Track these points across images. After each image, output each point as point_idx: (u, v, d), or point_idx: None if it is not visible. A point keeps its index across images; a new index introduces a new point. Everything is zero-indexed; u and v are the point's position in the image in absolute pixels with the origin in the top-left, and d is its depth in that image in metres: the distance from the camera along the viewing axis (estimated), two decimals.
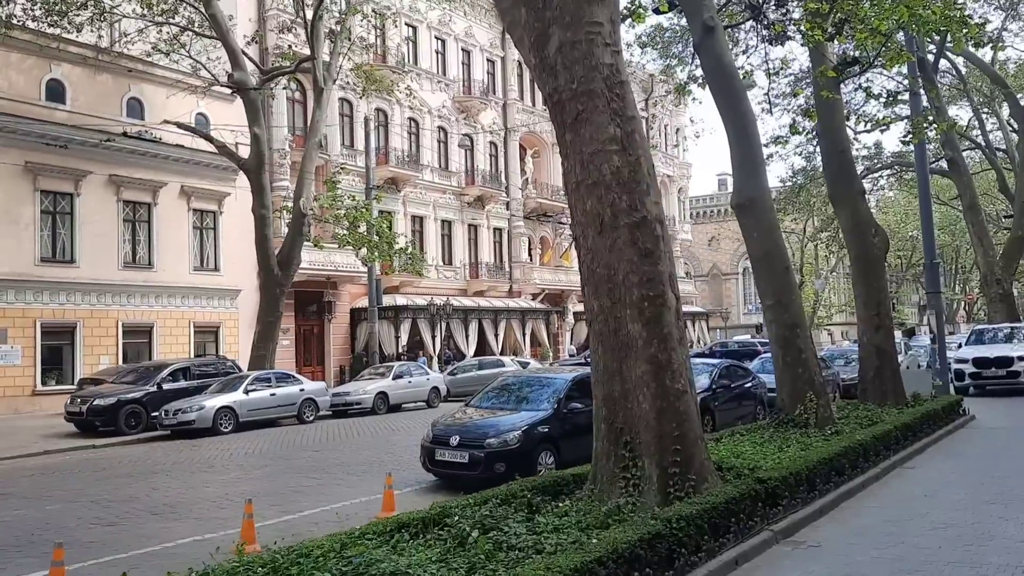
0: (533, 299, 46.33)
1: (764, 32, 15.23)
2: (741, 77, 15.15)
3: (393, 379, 26.62)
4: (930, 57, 29.27)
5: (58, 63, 27.99)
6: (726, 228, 68.75)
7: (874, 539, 8.20)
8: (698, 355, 36.26)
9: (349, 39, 28.95)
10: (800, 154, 38.05)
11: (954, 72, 37.21)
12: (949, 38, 25.55)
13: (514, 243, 46.80)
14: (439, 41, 43.62)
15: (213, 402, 20.86)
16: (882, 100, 19.44)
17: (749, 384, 18.00)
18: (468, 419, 12.80)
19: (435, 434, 12.28)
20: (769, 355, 15.94)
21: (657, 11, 14.82)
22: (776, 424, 12.84)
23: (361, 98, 34.65)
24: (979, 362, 23.88)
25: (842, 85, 19.49)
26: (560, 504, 7.77)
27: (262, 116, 26.37)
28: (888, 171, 42.66)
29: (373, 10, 31.73)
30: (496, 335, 42.27)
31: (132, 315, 29.48)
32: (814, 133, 19.95)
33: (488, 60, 46.49)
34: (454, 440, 11.90)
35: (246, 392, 21.70)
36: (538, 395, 13.12)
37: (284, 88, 31.80)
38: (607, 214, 8.32)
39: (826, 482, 9.81)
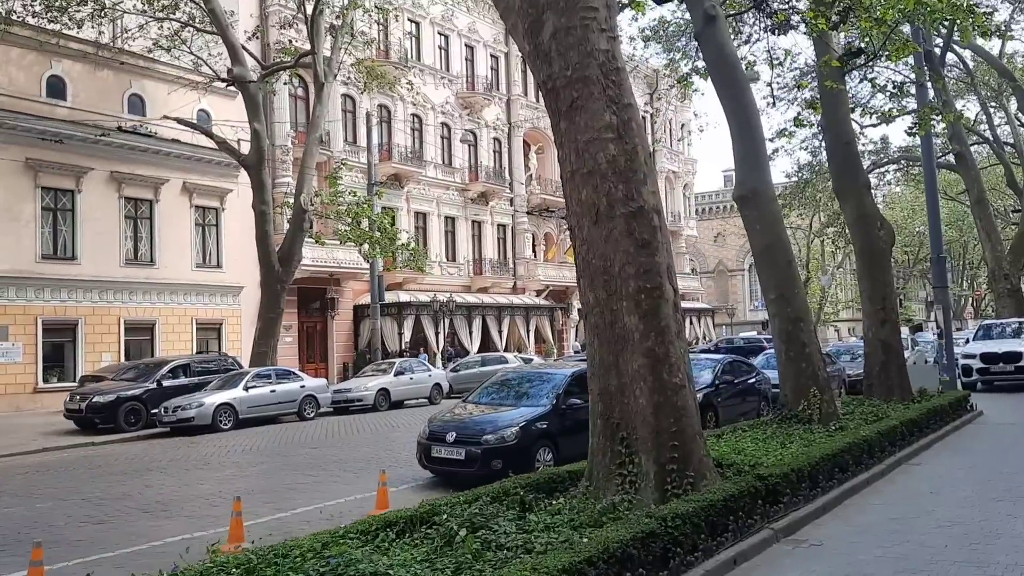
0: (537, 295, 46.14)
1: (767, 21, 14.98)
2: (743, 68, 14.90)
3: (395, 376, 26.45)
4: (937, 51, 28.95)
5: (59, 59, 27.84)
6: (732, 224, 68.32)
7: (878, 537, 7.96)
8: (703, 351, 36.18)
9: (350, 34, 28.76)
10: (806, 149, 37.78)
11: (961, 66, 36.81)
12: (956, 31, 25.32)
13: (518, 239, 46.60)
14: (442, 37, 43.41)
15: (213, 399, 20.71)
16: (887, 92, 19.13)
17: (753, 380, 17.75)
18: (465, 415, 12.61)
19: (431, 430, 12.09)
20: (773, 350, 15.71)
21: (659, 0, 14.58)
22: (779, 420, 12.63)
23: (363, 93, 34.46)
24: (987, 357, 23.62)
25: (848, 78, 19.24)
26: (554, 502, 7.57)
27: (262, 111, 26.20)
28: (895, 166, 42.30)
29: (376, 6, 31.49)
30: (500, 332, 42.08)
31: (134, 312, 29.36)
32: (819, 127, 19.71)
33: (492, 56, 46.27)
34: (450, 436, 11.70)
35: (246, 389, 21.54)
36: (536, 391, 12.91)
37: (286, 84, 31.66)
38: (603, 204, 8.11)
39: (829, 479, 9.58)
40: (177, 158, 30.36)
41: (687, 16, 20.85)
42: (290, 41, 29.96)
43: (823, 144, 25.05)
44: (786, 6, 14.85)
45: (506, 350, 39.86)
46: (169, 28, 26.92)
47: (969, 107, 39.95)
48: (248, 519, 9.62)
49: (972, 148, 36.61)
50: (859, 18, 13.64)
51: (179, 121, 25.74)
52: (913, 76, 21.22)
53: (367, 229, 28.03)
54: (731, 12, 15.88)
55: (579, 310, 47.12)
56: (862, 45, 16.49)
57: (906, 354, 23.74)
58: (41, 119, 26.67)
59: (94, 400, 20.75)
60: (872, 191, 23.92)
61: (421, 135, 41.33)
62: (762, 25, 15.43)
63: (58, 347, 27.71)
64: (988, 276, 40.21)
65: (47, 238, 27.38)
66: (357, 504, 10.39)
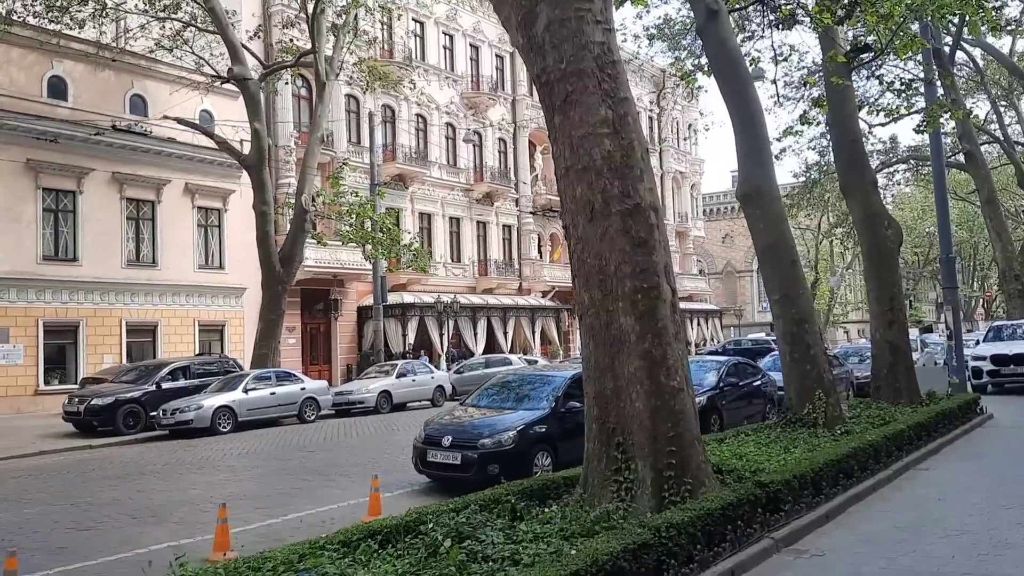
0: (543, 297, 45.85)
1: (771, 16, 14.68)
2: (747, 64, 14.62)
3: (397, 378, 26.22)
4: (946, 49, 28.59)
5: (60, 59, 27.70)
6: (740, 225, 67.88)
7: (883, 547, 7.66)
8: (710, 353, 35.88)
9: (353, 33, 28.57)
10: (814, 148, 37.42)
11: (971, 64, 36.41)
12: (965, 29, 25.02)
13: (524, 240, 46.34)
14: (447, 37, 43.20)
15: (211, 401, 20.51)
16: (895, 89, 18.80)
17: (758, 382, 17.45)
18: (462, 418, 12.36)
19: (427, 434, 11.84)
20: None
21: None
22: (783, 423, 12.34)
23: (366, 93, 34.24)
24: (997, 359, 23.25)
25: (855, 76, 18.93)
26: (546, 510, 7.29)
27: (263, 111, 26.00)
28: (904, 165, 41.87)
29: (380, 5, 31.31)
30: (505, 333, 41.82)
31: (136, 314, 29.21)
32: (826, 125, 19.40)
33: (497, 56, 46.01)
34: (446, 440, 11.44)
35: (245, 391, 21.33)
36: (535, 393, 12.65)
37: (287, 84, 31.45)
38: (598, 201, 7.85)
39: (833, 485, 9.27)
40: (179, 159, 30.21)
41: (692, 14, 20.60)
42: (291, 40, 29.76)
43: (831, 143, 24.71)
44: (790, 1, 14.54)
45: (511, 352, 39.60)
46: (171, 28, 26.77)
47: (979, 106, 39.54)
48: (237, 525, 9.43)
49: (982, 148, 36.20)
50: (865, 12, 13.33)
51: (179, 121, 25.56)
52: (921, 74, 20.91)
53: (370, 230, 27.83)
54: (734, 7, 15.58)
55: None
56: (869, 41, 16.18)
57: (915, 355, 23.46)
58: (42, 119, 26.53)
59: (92, 403, 20.55)
60: (881, 191, 23.62)
61: (425, 135, 41.11)
62: (766, 20, 15.08)
63: (59, 349, 27.58)
64: (999, 277, 39.82)
65: (48, 239, 27.25)
66: (350, 510, 10.15)
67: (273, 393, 22.09)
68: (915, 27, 17.27)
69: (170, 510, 10.73)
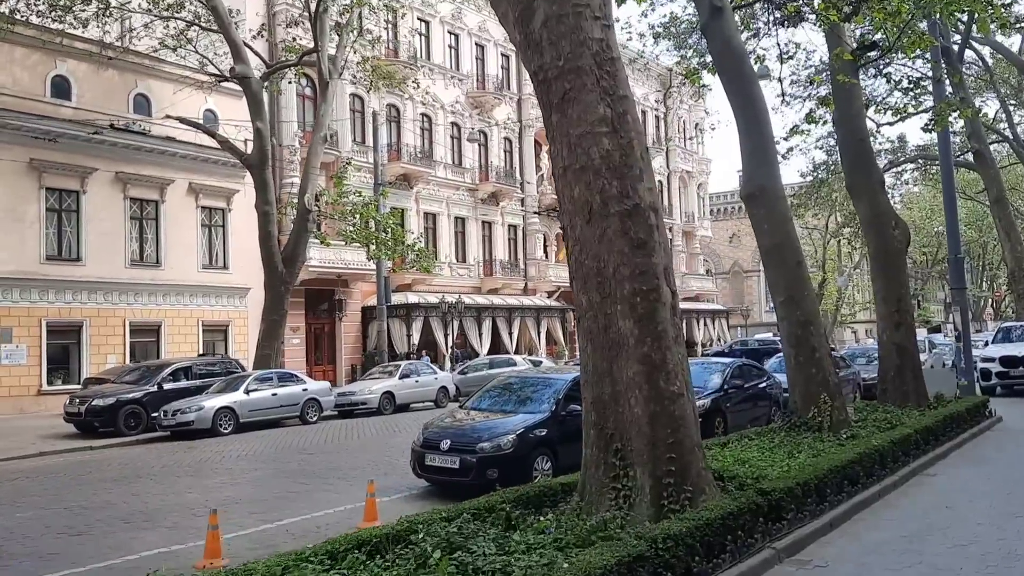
0: (548, 297, 45.65)
1: (776, 13, 14.46)
2: (752, 62, 14.40)
3: (400, 378, 26.05)
4: (955, 48, 28.30)
5: (63, 59, 27.64)
6: (747, 225, 67.40)
7: (888, 558, 7.44)
8: (717, 353, 35.65)
9: (358, 32, 28.44)
10: (821, 148, 37.13)
11: (980, 63, 36.10)
12: (974, 27, 24.75)
13: (529, 240, 46.15)
14: (452, 36, 43.02)
15: (213, 402, 20.37)
16: (902, 88, 18.55)
17: (764, 384, 17.22)
18: (461, 422, 12.17)
19: (426, 437, 11.65)
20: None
21: None
22: (788, 427, 12.12)
23: (369, 91, 34.08)
24: (1007, 361, 22.98)
25: (862, 75, 18.67)
26: (542, 518, 7.10)
27: (265, 110, 25.87)
28: (912, 165, 41.56)
29: (384, 4, 31.16)
30: (510, 333, 41.63)
31: (139, 314, 29.13)
32: (833, 124, 19.13)
33: (502, 55, 45.80)
34: (445, 444, 11.25)
35: (247, 392, 21.19)
36: (536, 396, 12.46)
37: (291, 83, 31.26)
38: (596, 201, 7.67)
39: (838, 492, 9.04)
40: (183, 158, 30.13)
41: (697, 12, 20.36)
42: (294, 39, 29.64)
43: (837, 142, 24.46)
44: None
45: (517, 352, 39.42)
46: (174, 27, 26.67)
47: (988, 105, 39.22)
48: (232, 531, 9.28)
49: (991, 147, 35.85)
50: (872, 9, 13.10)
51: (180, 120, 25.44)
52: (929, 73, 20.66)
53: (373, 230, 27.69)
54: (739, 4, 15.36)
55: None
56: (876, 39, 15.94)
57: (923, 357, 23.17)
58: (45, 119, 26.45)
59: (93, 403, 20.44)
60: (888, 190, 23.36)
61: (431, 135, 40.95)
62: (771, 17, 14.85)
63: (63, 349, 27.52)
64: (1008, 277, 39.45)
65: (51, 239, 27.17)
66: (346, 515, 9.99)
67: (275, 394, 21.96)
68: (923, 25, 17.02)
69: (164, 514, 10.57)
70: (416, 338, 36.42)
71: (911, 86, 19.94)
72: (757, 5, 15.82)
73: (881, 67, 18.13)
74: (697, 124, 58.37)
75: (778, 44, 14.72)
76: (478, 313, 40.14)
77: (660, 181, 57.08)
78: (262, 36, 28.79)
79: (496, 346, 40.39)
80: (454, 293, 37.67)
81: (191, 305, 30.66)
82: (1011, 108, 38.16)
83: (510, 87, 46.14)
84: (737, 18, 16.89)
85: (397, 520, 6.81)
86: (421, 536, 6.17)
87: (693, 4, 15.64)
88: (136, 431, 20.49)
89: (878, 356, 17.15)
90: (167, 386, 21.47)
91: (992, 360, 23.30)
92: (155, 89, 29.93)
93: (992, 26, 18.35)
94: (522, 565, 5.57)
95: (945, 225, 24.44)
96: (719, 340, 54.96)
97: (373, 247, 27.82)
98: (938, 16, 16.23)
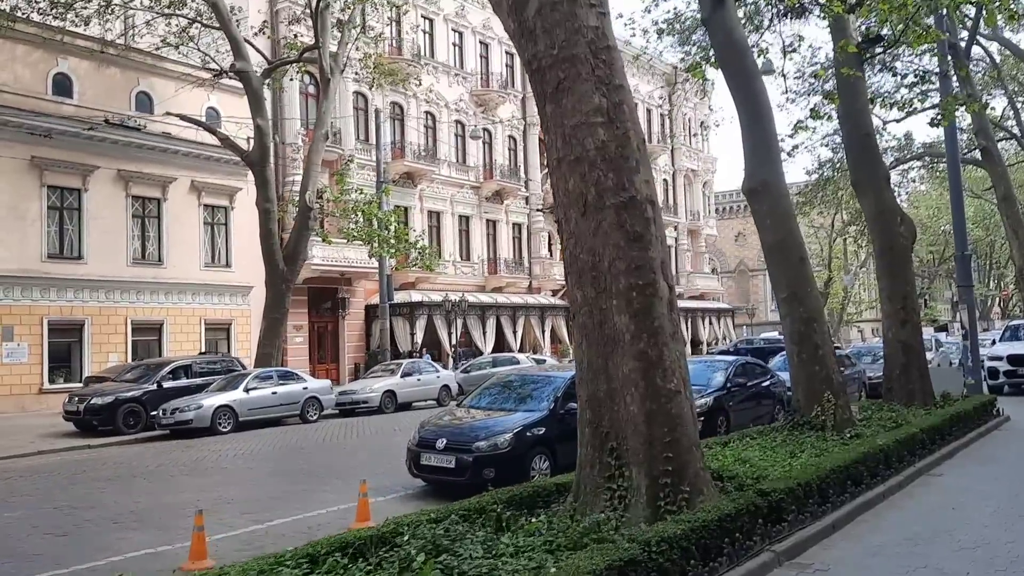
0: (553, 295, 45.42)
1: (780, 5, 14.21)
2: (755, 56, 14.17)
3: (402, 377, 25.86)
4: (962, 44, 27.99)
5: (65, 56, 27.53)
6: (753, 223, 67.34)
7: (891, 561, 7.21)
8: (722, 352, 35.41)
9: (362, 29, 28.27)
10: (827, 145, 36.81)
11: (987, 60, 35.72)
12: (981, 24, 24.40)
13: (534, 238, 45.95)
14: (456, 34, 42.83)
15: (212, 401, 20.22)
16: (907, 82, 18.28)
17: (767, 382, 17.00)
18: (457, 420, 11.98)
19: (422, 436, 11.46)
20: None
21: None
22: (790, 426, 11.90)
23: (372, 89, 33.90)
24: (1014, 359, 22.71)
25: (868, 70, 18.41)
26: (534, 519, 6.89)
27: (266, 107, 25.72)
28: (919, 163, 41.19)
29: (387, 1, 30.98)
30: (515, 332, 41.42)
31: (141, 312, 29.02)
32: (838, 119, 18.89)
33: (507, 52, 45.52)
34: (440, 443, 11.06)
35: (246, 391, 21.02)
36: (535, 394, 12.25)
37: (293, 80, 31.08)
38: (591, 194, 7.46)
39: (841, 493, 8.80)
40: (185, 156, 30.02)
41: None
42: (295, 36, 29.48)
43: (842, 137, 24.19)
44: None
45: (521, 351, 39.20)
46: (177, 25, 26.55)
47: (996, 103, 38.80)
48: (222, 531, 9.13)
49: (999, 144, 35.48)
50: (877, 1, 12.84)
51: (181, 117, 25.32)
52: (936, 69, 20.37)
53: (375, 227, 27.51)
54: None
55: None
56: (882, 33, 15.69)
57: (930, 355, 22.90)
58: (47, 117, 26.35)
59: (92, 402, 20.29)
60: (895, 189, 23.08)
61: (435, 133, 40.78)
62: (774, 9, 14.60)
63: (64, 347, 27.41)
64: (1015, 275, 39.14)
65: (53, 237, 27.08)
66: (338, 516, 9.80)
67: (275, 393, 21.78)
68: (929, 20, 16.77)
69: (154, 514, 10.40)
70: (420, 336, 36.23)
71: (917, 81, 19.64)
72: None
73: (887, 61, 17.82)
74: (702, 122, 58.05)
75: (781, 37, 14.50)
76: (482, 311, 39.93)
77: (665, 179, 56.89)
78: (263, 33, 28.62)
79: (500, 345, 40.18)
80: (458, 291, 37.47)
81: (193, 303, 30.56)
82: (1019, 105, 37.77)
83: (514, 85, 45.91)
84: (741, 13, 16.69)
85: (384, 521, 6.61)
86: (406, 538, 5.97)
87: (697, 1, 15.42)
88: (135, 430, 20.32)
89: (883, 354, 16.90)
90: (166, 384, 21.31)
91: (1000, 359, 23.03)
92: (157, 87, 29.78)
93: (999, 20, 18.06)
94: (509, 569, 5.36)
95: (952, 223, 24.13)
96: (724, 339, 54.67)
97: (375, 245, 27.64)
98: (944, 11, 15.97)
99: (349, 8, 27.12)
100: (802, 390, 12.35)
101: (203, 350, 28.23)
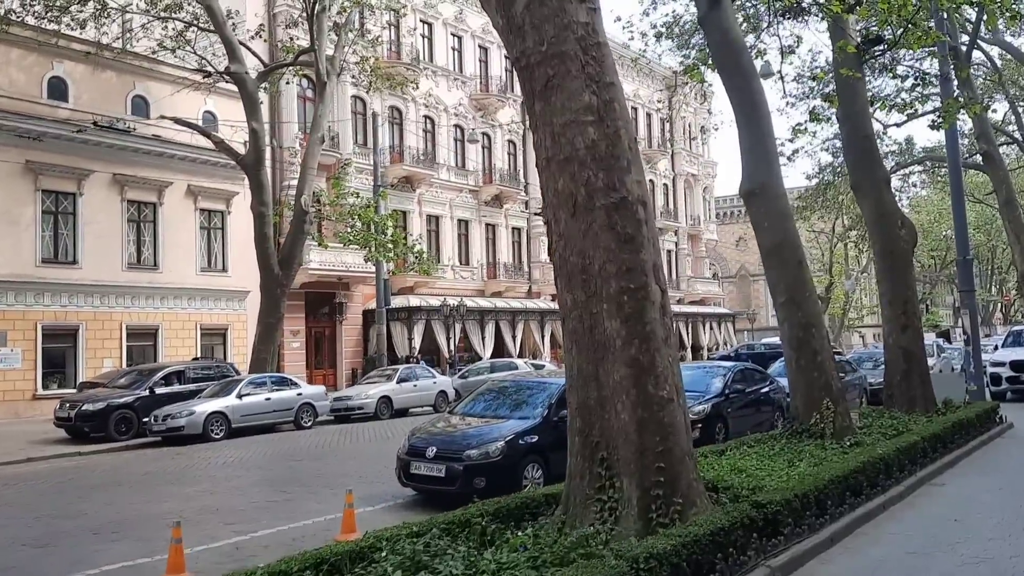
0: (553, 300, 45.10)
1: (777, 4, 13.98)
2: (752, 56, 13.94)
3: (398, 383, 25.61)
4: (963, 48, 27.79)
5: (60, 60, 27.28)
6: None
7: None
8: (723, 357, 35.15)
9: (360, 32, 28.08)
10: (827, 150, 36.61)
11: (988, 64, 35.51)
12: (982, 28, 24.20)
13: (533, 243, 45.68)
14: (455, 38, 42.67)
15: (204, 407, 19.97)
16: (908, 84, 18.04)
17: (767, 389, 16.74)
18: (448, 428, 11.73)
19: (412, 444, 11.20)
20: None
21: None
22: (789, 434, 11.64)
23: (369, 93, 33.70)
24: (1017, 365, 22.43)
25: (868, 72, 18.17)
26: (520, 533, 6.62)
27: (261, 110, 25.49)
28: (919, 167, 40.97)
29: (385, 5, 30.80)
30: (514, 337, 41.15)
31: (136, 317, 28.77)
32: (837, 121, 18.66)
33: (506, 57, 45.30)
34: (431, 452, 10.81)
35: (239, 397, 20.78)
36: (529, 400, 11.99)
37: (290, 84, 30.91)
38: (581, 194, 7.21)
39: (840, 504, 8.51)
40: (181, 160, 29.78)
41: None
42: (291, 39, 29.30)
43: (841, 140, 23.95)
44: None
45: (521, 356, 38.93)
46: (173, 28, 26.36)
47: (997, 107, 38.58)
48: (203, 543, 8.90)
49: (1000, 149, 35.24)
50: (877, 1, 12.59)
51: (175, 120, 25.10)
52: (937, 71, 20.14)
53: (372, 231, 27.28)
54: None
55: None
56: (882, 33, 15.46)
57: (931, 361, 22.63)
58: (42, 121, 26.14)
59: (83, 408, 20.07)
60: (896, 193, 22.83)
61: (433, 137, 40.56)
62: (771, 9, 14.35)
63: (59, 353, 27.13)
64: (1017, 280, 38.90)
65: (47, 242, 26.84)
66: (323, 527, 9.55)
67: (268, 399, 21.54)
68: (930, 23, 16.54)
69: (136, 525, 10.13)
70: (418, 342, 35.98)
71: (917, 83, 19.39)
72: None
73: (887, 63, 17.58)
74: (703, 127, 57.90)
75: (779, 39, 14.24)
76: (481, 316, 39.67)
77: (666, 184, 56.68)
78: (260, 36, 28.43)
79: (500, 350, 39.90)
80: (457, 296, 37.23)
81: (189, 308, 30.31)
82: (1020, 109, 37.54)
83: (514, 89, 45.61)
84: (741, 17, 16.48)
85: (363, 535, 6.35)
86: (384, 554, 5.71)
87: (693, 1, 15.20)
88: (127, 436, 20.09)
89: (884, 360, 16.64)
90: (159, 390, 21.09)
91: (1002, 364, 22.78)
92: (153, 90, 29.57)
93: (1000, 23, 17.86)
94: None
95: (953, 228, 23.88)
96: (725, 344, 54.41)
97: (371, 249, 27.42)
98: (944, 14, 15.75)
99: (345, 11, 26.91)
100: (801, 397, 12.09)
101: (197, 355, 27.96)
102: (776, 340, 42.97)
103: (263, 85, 26.62)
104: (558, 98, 7.32)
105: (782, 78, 15.18)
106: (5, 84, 25.92)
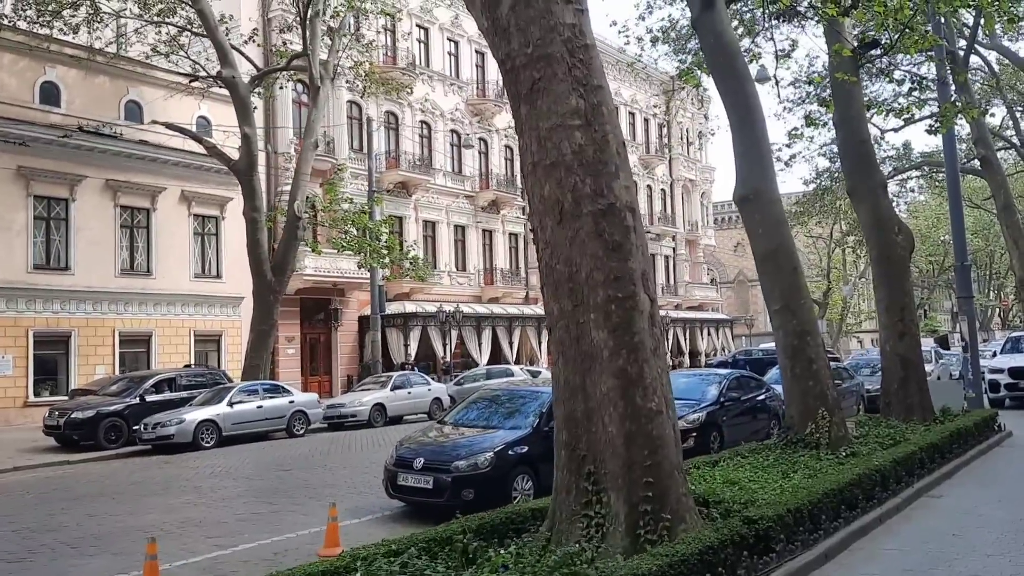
0: None
1: (771, 7, 13.79)
2: (746, 60, 13.74)
3: (392, 390, 25.36)
4: (960, 53, 27.65)
5: (53, 65, 27.12)
6: None
7: None
8: (720, 363, 34.95)
9: (354, 37, 27.89)
10: (824, 155, 36.46)
11: (986, 69, 35.39)
12: (980, 33, 24.09)
13: (530, 249, 45.36)
14: (451, 43, 42.50)
15: (194, 415, 19.73)
16: (905, 89, 17.86)
17: (763, 396, 16.56)
18: (437, 438, 11.50)
19: (399, 455, 10.97)
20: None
21: None
22: (784, 444, 11.43)
23: (363, 97, 33.53)
24: (1016, 372, 22.22)
25: (865, 76, 17.99)
26: (504, 551, 6.41)
27: (252, 115, 25.29)
28: (917, 172, 40.83)
29: (381, 10, 30.63)
30: (511, 343, 40.94)
31: (129, 323, 28.56)
32: (833, 126, 18.48)
33: None
34: (418, 462, 10.58)
35: (231, 404, 20.54)
36: (521, 409, 11.78)
37: (283, 88, 30.67)
38: (568, 201, 7.02)
39: (834, 518, 8.30)
40: (175, 166, 29.62)
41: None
42: (284, 44, 29.13)
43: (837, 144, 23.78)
44: None
45: (517, 362, 38.70)
46: (166, 33, 26.19)
47: (995, 112, 38.48)
48: (183, 557, 8.69)
49: (998, 154, 35.09)
50: (873, 3, 12.41)
51: (167, 126, 24.93)
52: (934, 75, 19.97)
53: (366, 237, 27.08)
54: None
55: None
56: (878, 38, 15.28)
57: (929, 368, 22.41)
58: (33, 126, 25.95)
59: (72, 416, 19.81)
60: (893, 199, 22.65)
61: (430, 142, 40.39)
62: (766, 12, 14.16)
63: (50, 360, 26.91)
64: (1016, 286, 38.72)
65: (39, 248, 26.63)
66: (307, 540, 9.33)
67: (260, 406, 21.30)
68: (927, 28, 16.36)
69: (115, 538, 9.89)
70: (414, 348, 35.74)
71: (914, 87, 19.21)
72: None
73: (884, 67, 17.40)
74: (700, 132, 57.79)
75: (774, 41, 14.06)
76: (478, 322, 39.46)
77: (663, 189, 56.53)
78: (254, 41, 28.25)
79: (496, 356, 39.68)
80: (453, 302, 37.00)
81: (183, 315, 30.10)
82: (1018, 114, 37.42)
83: None
84: (736, 20, 16.30)
85: (339, 554, 6.13)
86: (359, 575, 5.50)
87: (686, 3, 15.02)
88: (117, 445, 19.87)
89: (881, 368, 16.43)
90: (149, 398, 20.85)
91: (1001, 371, 22.55)
92: (147, 95, 29.37)
93: (998, 26, 17.68)
94: None
95: (951, 233, 23.68)
96: (723, 350, 54.22)
97: (365, 255, 27.21)
98: (942, 19, 15.58)
99: (339, 15, 26.74)
100: (796, 406, 11.87)
101: (189, 362, 27.73)
102: (774, 346, 42.86)
103: (256, 90, 26.43)
104: (544, 101, 7.13)
105: (777, 83, 15.00)
106: None
